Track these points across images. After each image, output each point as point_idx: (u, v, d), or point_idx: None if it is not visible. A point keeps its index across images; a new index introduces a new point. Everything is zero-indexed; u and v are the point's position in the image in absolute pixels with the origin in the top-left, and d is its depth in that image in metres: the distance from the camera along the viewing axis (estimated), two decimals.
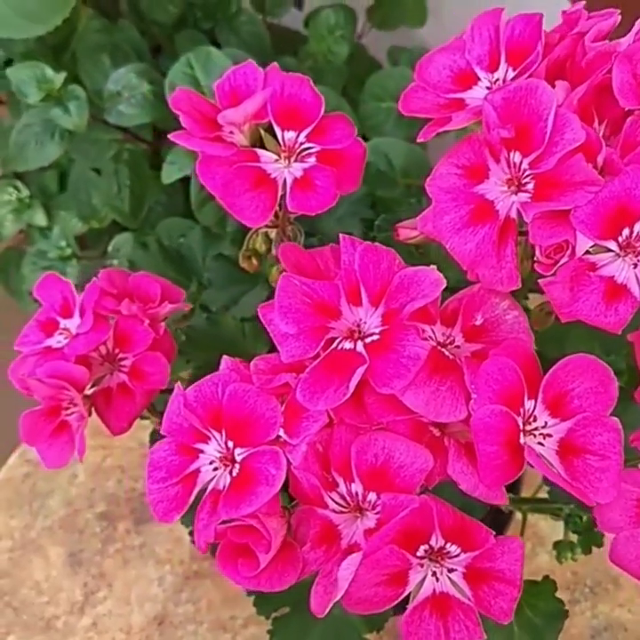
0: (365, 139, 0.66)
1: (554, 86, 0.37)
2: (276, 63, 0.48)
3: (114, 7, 1.05)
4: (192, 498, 0.40)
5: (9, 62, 0.98)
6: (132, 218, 0.96)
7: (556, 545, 0.59)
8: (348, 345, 0.38)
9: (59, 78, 0.82)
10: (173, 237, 0.85)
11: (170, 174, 0.84)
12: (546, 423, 0.39)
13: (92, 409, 0.52)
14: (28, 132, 0.87)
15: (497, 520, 0.76)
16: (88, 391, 0.51)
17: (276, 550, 0.37)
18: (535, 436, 0.38)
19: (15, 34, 0.85)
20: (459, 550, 0.38)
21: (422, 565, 0.38)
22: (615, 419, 0.39)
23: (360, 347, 0.38)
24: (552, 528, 0.83)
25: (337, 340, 0.39)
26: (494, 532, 0.39)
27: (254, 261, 0.54)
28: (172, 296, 0.52)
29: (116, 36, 0.97)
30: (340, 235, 0.39)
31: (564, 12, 0.41)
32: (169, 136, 0.45)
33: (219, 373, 0.40)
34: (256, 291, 0.66)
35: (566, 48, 0.38)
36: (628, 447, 0.42)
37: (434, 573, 0.38)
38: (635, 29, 0.37)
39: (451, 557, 0.38)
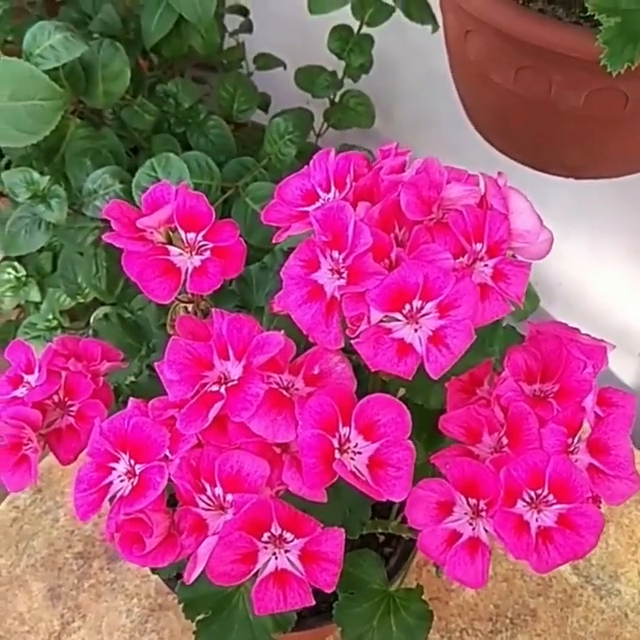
0: None
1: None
2: (185, 182, 0.63)
3: (99, 116, 1.23)
4: (104, 502, 0.54)
5: (9, 164, 1.15)
6: (109, 294, 1.11)
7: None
8: (215, 388, 0.52)
9: (43, 180, 0.97)
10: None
11: None
12: (357, 444, 0.51)
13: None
14: (20, 224, 1.02)
15: (405, 548, 0.88)
16: (43, 431, 0.63)
17: (160, 537, 0.51)
18: (348, 453, 0.52)
19: (12, 143, 1.00)
20: (293, 537, 0.50)
21: (267, 548, 0.51)
22: (410, 442, 0.52)
23: (222, 389, 0.51)
24: None
25: (208, 385, 0.52)
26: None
27: None
28: (111, 356, 0.66)
29: (98, 141, 1.13)
30: (213, 309, 0.54)
31: (380, 150, 0.57)
32: (102, 237, 0.61)
33: (125, 410, 0.54)
34: None
35: (370, 178, 0.53)
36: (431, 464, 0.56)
37: (275, 554, 0.51)
38: (414, 167, 0.53)
39: (287, 542, 0.50)
